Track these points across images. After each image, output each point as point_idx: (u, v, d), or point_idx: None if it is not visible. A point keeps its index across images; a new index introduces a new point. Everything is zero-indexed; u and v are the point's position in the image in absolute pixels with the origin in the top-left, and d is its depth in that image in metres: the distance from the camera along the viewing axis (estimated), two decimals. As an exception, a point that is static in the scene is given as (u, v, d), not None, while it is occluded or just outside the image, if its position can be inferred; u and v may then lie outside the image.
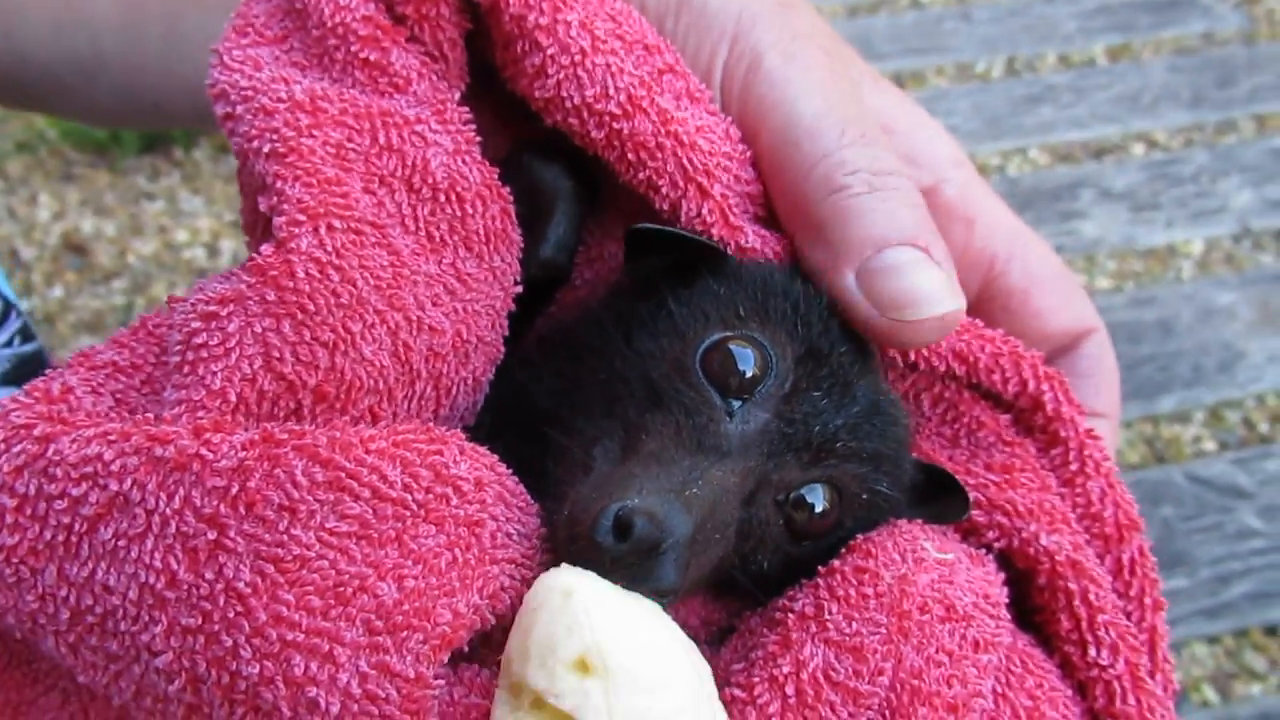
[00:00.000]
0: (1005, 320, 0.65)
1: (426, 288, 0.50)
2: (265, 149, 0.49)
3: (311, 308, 0.46)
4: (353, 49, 0.53)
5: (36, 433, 0.43)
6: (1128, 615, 0.55)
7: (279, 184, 0.48)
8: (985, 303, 0.67)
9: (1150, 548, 0.57)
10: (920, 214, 0.56)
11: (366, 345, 0.47)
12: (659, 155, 0.54)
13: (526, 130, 0.59)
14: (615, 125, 0.54)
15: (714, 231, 0.55)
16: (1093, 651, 0.53)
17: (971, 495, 0.55)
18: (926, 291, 0.54)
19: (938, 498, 0.56)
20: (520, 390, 0.56)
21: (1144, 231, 2.54)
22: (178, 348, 0.46)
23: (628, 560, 0.44)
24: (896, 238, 0.54)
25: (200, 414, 0.45)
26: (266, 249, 0.47)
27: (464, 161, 0.53)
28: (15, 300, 0.79)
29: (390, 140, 0.52)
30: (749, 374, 0.51)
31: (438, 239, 0.52)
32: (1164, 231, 2.54)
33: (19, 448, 0.43)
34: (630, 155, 0.54)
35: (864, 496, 0.53)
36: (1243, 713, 2.03)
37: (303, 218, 0.47)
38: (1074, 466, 0.57)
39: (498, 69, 0.57)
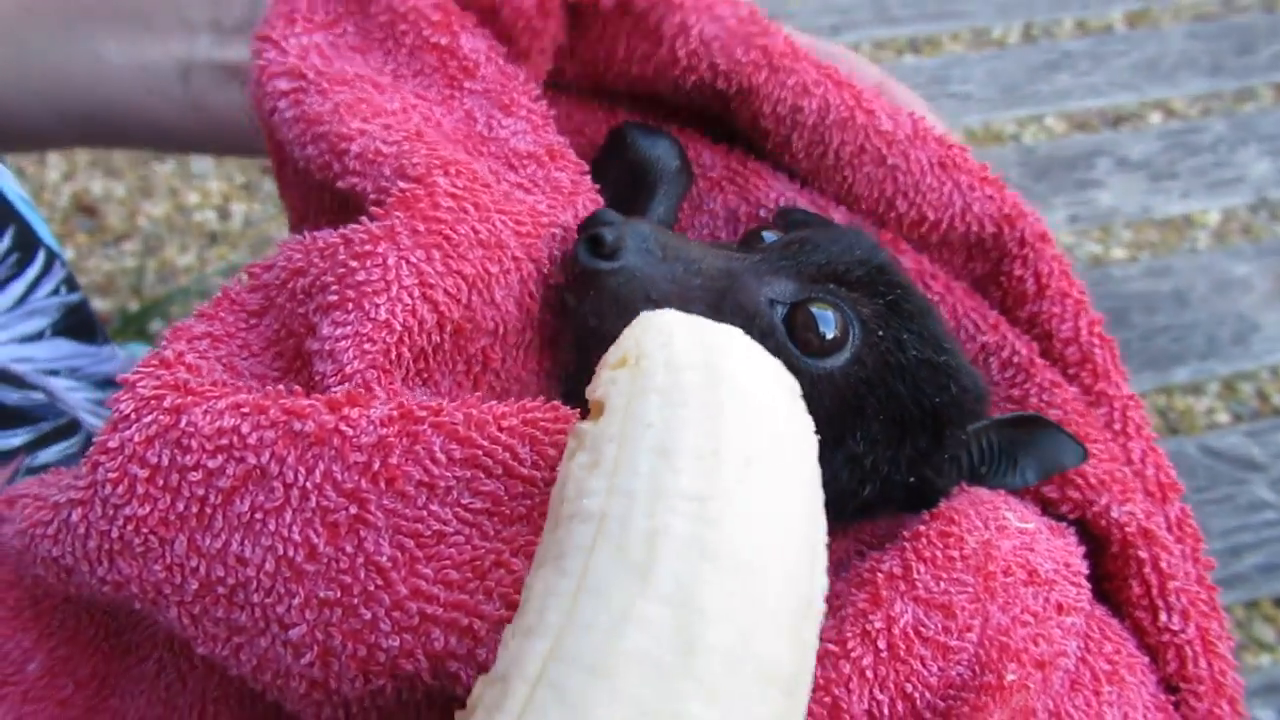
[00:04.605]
0: None
1: (555, 240, 0.51)
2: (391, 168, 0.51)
3: (455, 238, 0.47)
4: (424, 34, 0.55)
5: (167, 404, 0.43)
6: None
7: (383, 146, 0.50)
8: None
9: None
10: None
11: (499, 289, 0.48)
12: None
13: None
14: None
15: None
16: (1164, 617, 0.54)
17: None
18: None
19: (1040, 446, 0.55)
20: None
21: (1160, 201, 2.52)
22: (333, 288, 0.46)
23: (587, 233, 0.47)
24: None
25: (367, 345, 0.45)
26: (404, 184, 0.48)
27: (545, 133, 0.55)
28: (60, 250, 0.78)
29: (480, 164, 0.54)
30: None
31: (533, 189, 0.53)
32: (1180, 201, 2.52)
33: (149, 418, 0.42)
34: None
35: (886, 345, 0.52)
36: (1252, 683, 2.04)
37: (436, 162, 0.48)
38: (1117, 427, 0.58)
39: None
